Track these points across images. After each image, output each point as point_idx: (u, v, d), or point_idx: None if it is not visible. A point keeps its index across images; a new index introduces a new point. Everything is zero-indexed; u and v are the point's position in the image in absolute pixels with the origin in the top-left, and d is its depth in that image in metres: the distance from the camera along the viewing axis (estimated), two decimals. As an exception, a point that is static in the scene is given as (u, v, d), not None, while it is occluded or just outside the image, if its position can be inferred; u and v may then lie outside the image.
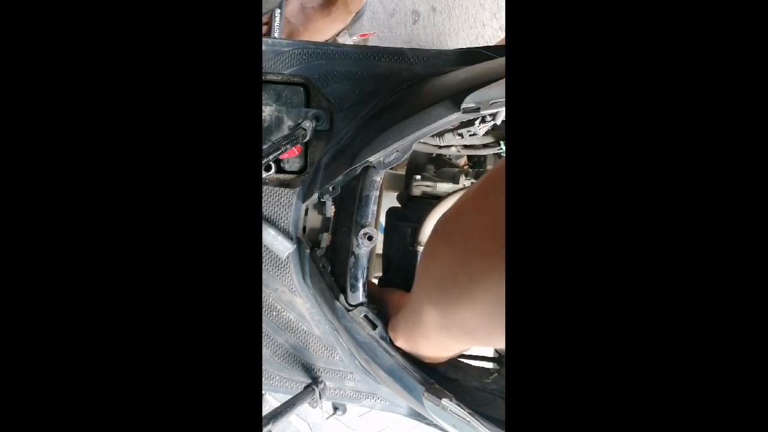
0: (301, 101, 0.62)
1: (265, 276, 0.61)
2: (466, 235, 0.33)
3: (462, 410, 0.45)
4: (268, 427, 0.52)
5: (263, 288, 0.62)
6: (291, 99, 0.62)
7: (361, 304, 0.54)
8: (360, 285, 0.54)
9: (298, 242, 0.61)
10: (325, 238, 0.62)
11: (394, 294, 0.58)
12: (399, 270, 0.65)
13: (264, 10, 0.95)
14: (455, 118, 0.51)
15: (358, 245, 0.53)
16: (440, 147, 0.65)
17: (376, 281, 0.72)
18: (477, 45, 0.86)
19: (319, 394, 0.59)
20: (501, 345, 0.55)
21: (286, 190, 0.61)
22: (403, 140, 0.52)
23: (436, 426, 0.56)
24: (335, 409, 0.71)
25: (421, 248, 0.60)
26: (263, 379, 0.62)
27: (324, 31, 1.06)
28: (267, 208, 0.61)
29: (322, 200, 0.59)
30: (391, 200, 0.76)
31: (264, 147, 0.58)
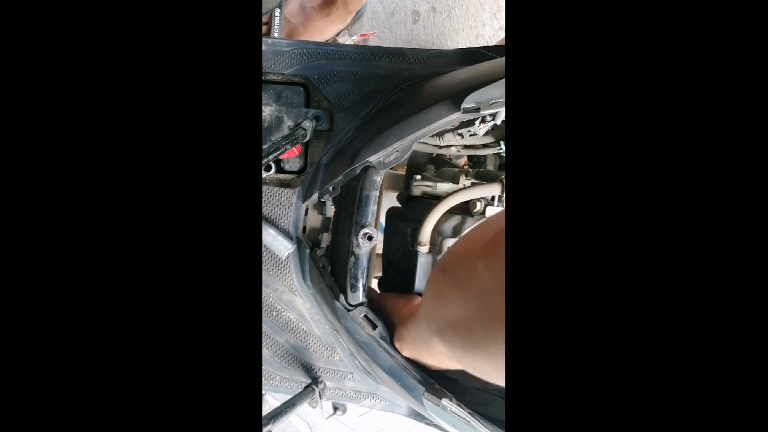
0: (301, 101, 0.62)
1: (265, 276, 0.61)
2: (483, 293, 0.34)
3: (462, 410, 0.45)
4: (268, 427, 0.52)
5: (263, 288, 0.61)
6: (291, 99, 0.62)
7: (361, 304, 0.54)
8: (360, 285, 0.54)
9: (298, 242, 0.61)
10: (325, 238, 0.62)
11: (396, 301, 0.58)
12: (399, 270, 0.65)
13: (264, 10, 0.95)
14: (455, 118, 0.51)
15: (358, 245, 0.53)
16: (440, 147, 0.65)
17: (376, 281, 0.72)
18: (477, 45, 0.86)
19: (319, 394, 0.59)
20: None
21: (286, 190, 0.61)
22: (403, 140, 0.52)
23: (436, 426, 0.56)
24: (335, 409, 0.71)
25: (421, 248, 0.60)
26: (263, 379, 0.62)
27: (324, 31, 1.06)
28: (267, 208, 0.61)
29: (322, 200, 0.59)
30: (391, 200, 0.76)
31: (264, 147, 0.58)
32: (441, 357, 0.48)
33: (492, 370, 0.37)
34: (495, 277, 0.33)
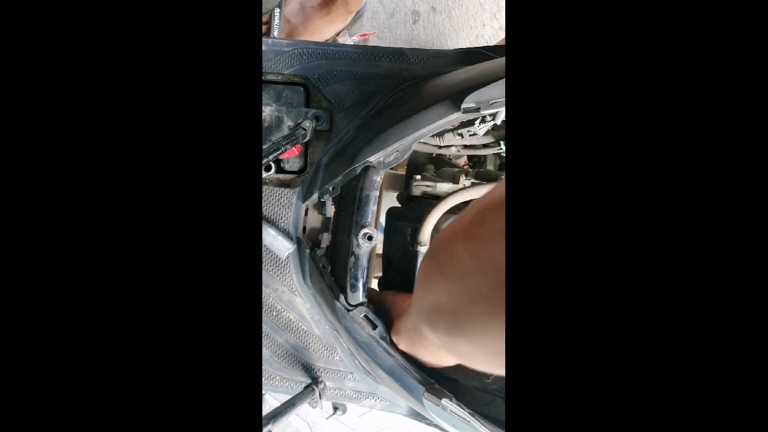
0: (301, 101, 0.62)
1: (265, 276, 0.61)
2: (463, 274, 0.34)
3: (462, 410, 0.45)
4: (268, 427, 0.52)
5: (263, 288, 0.61)
6: (291, 99, 0.62)
7: (361, 304, 0.54)
8: (360, 285, 0.54)
9: (298, 242, 0.61)
10: (325, 238, 0.62)
11: (396, 297, 0.58)
12: (399, 270, 0.65)
13: (264, 10, 0.95)
14: (455, 118, 0.51)
15: (358, 245, 0.53)
16: (440, 147, 0.65)
17: (376, 281, 0.72)
18: (477, 45, 0.86)
19: (319, 394, 0.59)
20: (498, 372, 0.56)
21: (286, 190, 0.61)
22: (403, 140, 0.52)
23: (436, 426, 0.56)
24: (335, 409, 0.71)
25: (421, 248, 0.60)
26: (263, 379, 0.62)
27: (323, 30, 1.06)
28: (267, 208, 0.61)
29: (322, 200, 0.59)
30: (391, 200, 0.76)
31: (264, 147, 0.58)
32: (432, 348, 0.48)
33: (477, 354, 0.37)
34: (475, 258, 0.32)
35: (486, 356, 0.35)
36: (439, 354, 0.49)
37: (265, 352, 0.62)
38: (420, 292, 0.44)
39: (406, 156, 0.54)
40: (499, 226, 0.29)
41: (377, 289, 0.68)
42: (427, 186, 0.64)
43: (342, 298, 0.55)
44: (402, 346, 0.53)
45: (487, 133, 0.62)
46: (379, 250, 0.68)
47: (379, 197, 0.71)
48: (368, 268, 0.55)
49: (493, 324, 0.31)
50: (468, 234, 0.34)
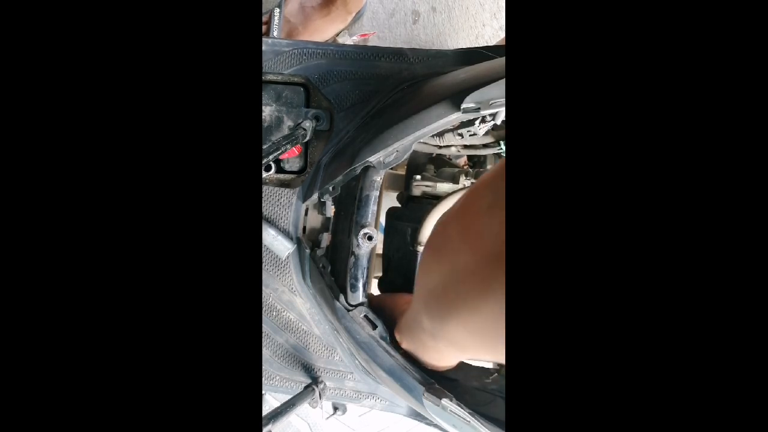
0: (301, 101, 0.62)
1: (265, 276, 0.61)
2: (453, 254, 0.34)
3: (462, 410, 0.45)
4: (268, 427, 0.52)
5: (263, 288, 0.62)
6: (291, 99, 0.62)
7: (361, 304, 0.54)
8: (360, 285, 0.54)
9: (298, 242, 0.61)
10: (325, 238, 0.62)
11: (396, 298, 0.58)
12: (399, 270, 0.65)
13: (264, 10, 0.95)
14: (455, 118, 0.51)
15: (358, 245, 0.53)
16: (440, 147, 0.65)
17: (376, 281, 0.72)
18: (477, 45, 0.86)
19: (319, 394, 0.59)
20: (491, 359, 0.56)
21: (286, 190, 0.61)
22: (403, 140, 0.52)
23: (436, 426, 0.56)
24: (335, 409, 0.71)
25: (421, 248, 0.60)
26: (263, 379, 0.62)
27: (323, 30, 1.06)
28: (267, 208, 0.61)
29: (322, 200, 0.59)
30: (391, 200, 0.76)
31: (264, 147, 0.58)
32: (429, 340, 0.48)
33: (465, 336, 0.37)
34: (462, 236, 0.33)
35: (474, 338, 0.36)
36: (436, 349, 0.49)
37: (265, 352, 0.62)
38: (419, 280, 0.45)
39: (406, 156, 0.54)
40: (486, 201, 0.30)
41: (377, 289, 0.68)
42: (427, 186, 0.65)
43: (342, 298, 0.55)
44: (404, 345, 0.53)
45: (487, 133, 0.62)
46: (379, 250, 0.68)
47: (379, 197, 0.71)
48: (368, 268, 0.55)
49: (479, 301, 0.31)
50: (457, 215, 0.35)
